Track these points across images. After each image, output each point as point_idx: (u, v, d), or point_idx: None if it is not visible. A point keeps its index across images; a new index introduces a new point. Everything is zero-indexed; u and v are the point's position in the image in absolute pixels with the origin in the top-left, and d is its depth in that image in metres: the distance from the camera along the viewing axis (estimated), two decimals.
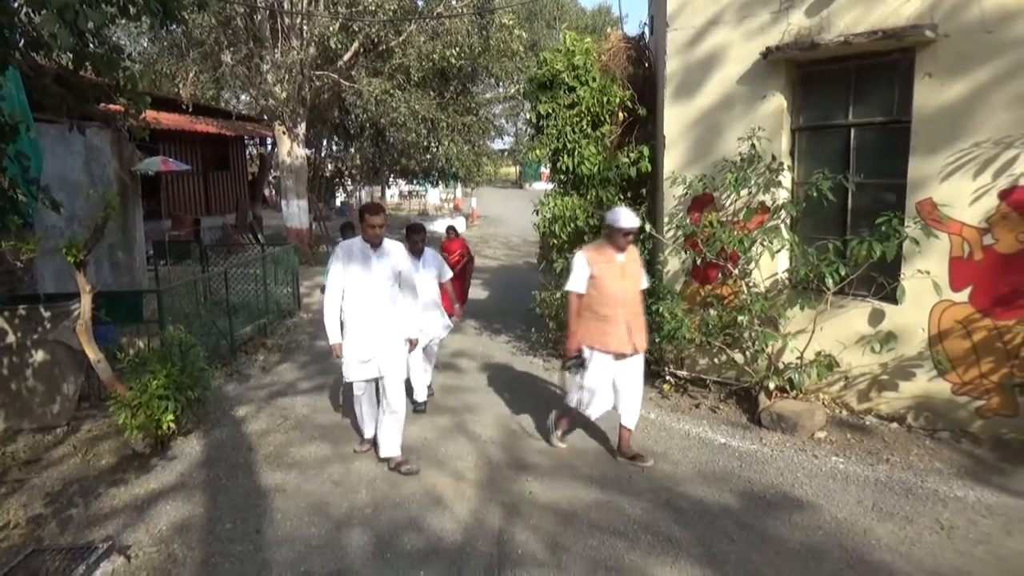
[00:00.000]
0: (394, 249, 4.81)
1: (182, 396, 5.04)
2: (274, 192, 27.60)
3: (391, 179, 23.67)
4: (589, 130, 7.15)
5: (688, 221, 6.20)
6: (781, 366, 5.68)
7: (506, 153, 32.97)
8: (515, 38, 16.49)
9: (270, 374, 7.21)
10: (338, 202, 26.92)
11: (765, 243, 5.61)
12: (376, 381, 4.87)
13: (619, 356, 4.76)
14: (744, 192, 5.82)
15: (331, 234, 14.97)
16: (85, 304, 5.05)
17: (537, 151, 7.52)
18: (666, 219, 6.43)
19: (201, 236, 15.17)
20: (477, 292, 11.43)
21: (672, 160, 6.38)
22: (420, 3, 17.02)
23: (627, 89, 7.20)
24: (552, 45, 12.43)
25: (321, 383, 6.85)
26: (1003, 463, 4.74)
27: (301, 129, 15.93)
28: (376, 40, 15.82)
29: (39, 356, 5.56)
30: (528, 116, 8.20)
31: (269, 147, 22.82)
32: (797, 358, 5.59)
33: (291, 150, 15.88)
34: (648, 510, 4.22)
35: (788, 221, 5.88)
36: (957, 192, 4.97)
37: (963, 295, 5.05)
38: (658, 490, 4.49)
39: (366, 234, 4.65)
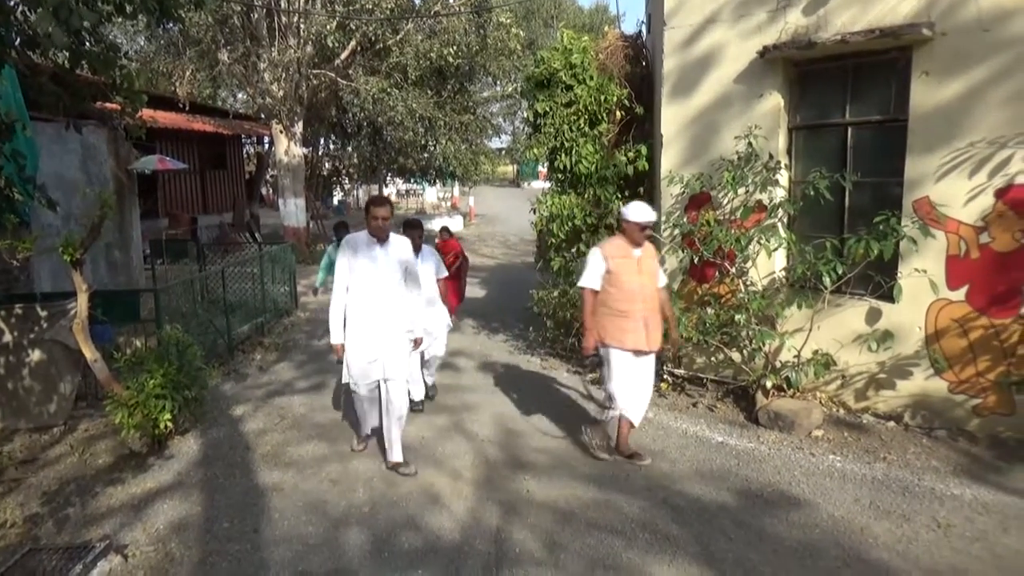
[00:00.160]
0: (400, 243, 4.71)
1: (179, 395, 5.03)
2: (271, 191, 27.58)
3: (388, 178, 23.64)
4: (586, 129, 7.15)
5: (685, 220, 6.20)
6: (778, 365, 5.69)
7: (503, 152, 32.95)
8: (512, 37, 16.47)
9: (267, 373, 7.20)
10: (335, 201, 26.89)
11: (762, 242, 5.62)
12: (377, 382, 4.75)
13: (637, 353, 4.69)
14: (741, 191, 5.83)
15: (328, 233, 14.96)
16: (82, 303, 5.04)
17: (534, 150, 7.52)
18: (663, 218, 6.43)
19: (198, 235, 15.16)
20: (475, 291, 11.42)
21: (669, 159, 6.39)
22: (417, 1, 16.99)
23: (624, 88, 7.21)
24: (549, 44, 12.43)
25: (319, 382, 6.84)
26: (1000, 461, 4.75)
27: (298, 128, 15.91)
28: (373, 38, 15.80)
29: (36, 355, 5.55)
30: (525, 115, 8.20)
31: (266, 146, 22.78)
32: (794, 357, 5.60)
33: (288, 149, 15.86)
34: (646, 508, 4.22)
35: (785, 220, 5.89)
36: (954, 190, 4.98)
37: (960, 293, 5.06)
38: (655, 488, 4.49)
39: (370, 227, 4.54)
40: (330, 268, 7.59)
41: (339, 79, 16.02)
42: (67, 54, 4.89)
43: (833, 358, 5.51)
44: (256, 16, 14.74)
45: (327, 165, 22.58)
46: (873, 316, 5.44)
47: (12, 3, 4.67)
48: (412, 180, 25.47)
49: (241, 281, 8.74)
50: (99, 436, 5.39)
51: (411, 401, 5.83)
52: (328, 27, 14.78)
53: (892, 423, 5.40)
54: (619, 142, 7.25)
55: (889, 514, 4.11)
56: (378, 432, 4.99)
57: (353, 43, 15.86)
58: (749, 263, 5.85)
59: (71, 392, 5.70)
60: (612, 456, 4.91)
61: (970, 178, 4.91)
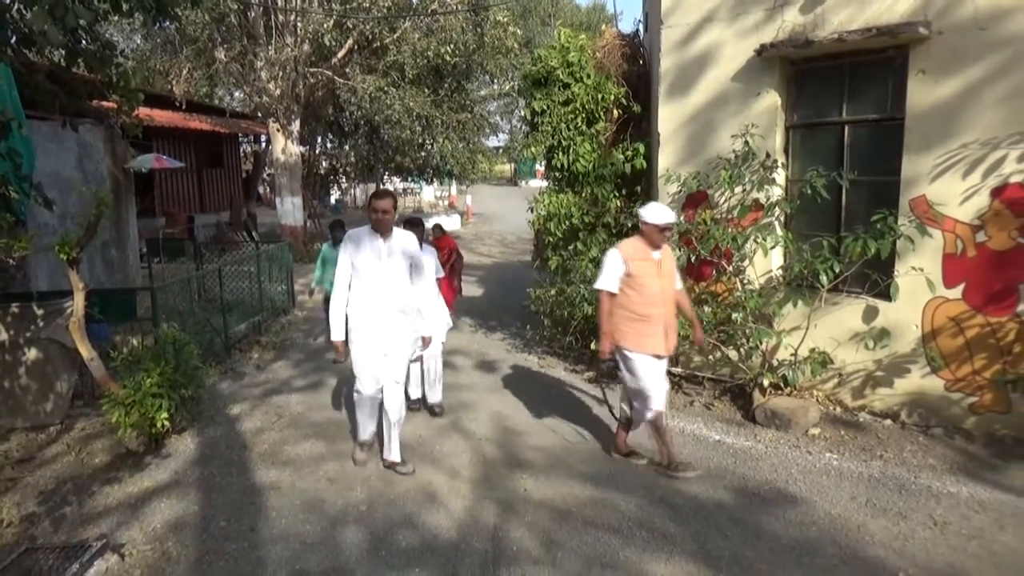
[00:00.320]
0: (405, 237, 4.55)
1: (176, 394, 5.02)
2: (268, 189, 27.51)
3: (386, 176, 23.58)
4: (584, 127, 7.15)
5: (682, 218, 6.20)
6: (775, 363, 5.70)
7: (501, 150, 32.86)
8: (510, 35, 16.45)
9: (264, 372, 7.19)
10: (333, 200, 26.84)
11: (759, 240, 5.63)
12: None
13: (656, 357, 4.56)
14: (738, 189, 5.83)
15: (325, 232, 14.94)
16: (78, 302, 5.02)
17: (532, 148, 7.52)
18: None
19: (195, 233, 15.16)
20: (472, 290, 11.42)
21: (667, 157, 6.39)
22: (414, 0, 16.97)
23: (622, 86, 7.21)
24: (547, 42, 12.42)
25: (316, 380, 6.84)
26: (996, 459, 4.76)
27: (295, 126, 15.89)
28: (370, 37, 15.78)
29: (32, 354, 5.53)
30: (523, 113, 8.20)
31: (263, 144, 22.73)
32: (791, 355, 5.61)
33: (285, 147, 15.84)
34: (643, 506, 4.23)
35: (782, 218, 5.90)
36: (950, 189, 4.99)
37: (956, 292, 5.07)
38: (652, 487, 4.49)
39: (372, 221, 4.41)
40: (324, 267, 7.60)
41: (336, 77, 15.99)
42: (63, 52, 4.88)
43: (830, 356, 5.52)
44: (253, 14, 14.71)
45: (324, 164, 22.52)
46: (870, 314, 5.45)
47: (8, 1, 4.66)
48: (409, 179, 25.43)
49: (238, 280, 8.73)
50: (96, 435, 5.37)
51: (408, 399, 5.83)
52: (325, 25, 14.76)
53: (889, 421, 5.41)
54: (616, 141, 7.25)
55: (886, 512, 4.12)
56: (377, 436, 4.92)
57: (350, 41, 15.85)
58: (746, 262, 5.86)
59: (68, 391, 5.68)
60: (642, 461, 4.83)
61: (966, 177, 4.92)
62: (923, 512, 4.11)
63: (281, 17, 14.68)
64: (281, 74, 15.07)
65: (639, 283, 4.46)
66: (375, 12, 14.75)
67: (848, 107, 5.57)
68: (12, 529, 4.03)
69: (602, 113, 7.18)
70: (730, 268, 5.90)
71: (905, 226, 5.05)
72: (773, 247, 5.67)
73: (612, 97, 7.12)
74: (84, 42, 5.15)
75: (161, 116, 14.90)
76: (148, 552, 3.78)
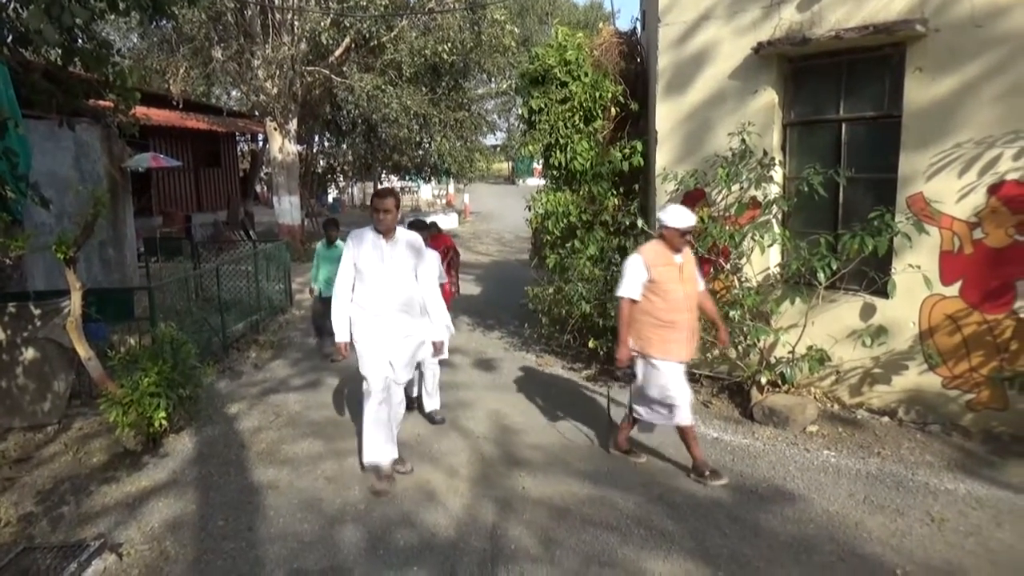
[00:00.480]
0: (409, 237, 4.44)
1: (174, 393, 5.01)
2: (266, 188, 27.48)
3: (383, 175, 23.56)
4: (581, 125, 7.15)
5: None
6: (773, 360, 5.70)
7: (498, 149, 32.82)
8: (507, 33, 16.45)
9: (262, 371, 7.19)
10: (330, 198, 26.82)
11: (756, 238, 5.63)
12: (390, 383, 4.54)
13: (680, 364, 4.48)
14: (735, 187, 5.83)
15: (322, 231, 14.92)
16: (75, 301, 5.02)
17: (529, 147, 7.51)
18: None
19: (192, 233, 15.13)
20: (470, 288, 11.42)
21: (664, 155, 6.39)
22: None
23: (619, 84, 7.21)
24: (544, 40, 12.41)
25: (314, 379, 6.83)
26: (993, 456, 4.77)
27: (293, 125, 15.87)
28: (367, 36, 15.75)
29: (29, 354, 5.53)
30: (520, 111, 8.19)
31: (260, 143, 22.72)
32: (789, 352, 5.61)
33: (283, 146, 15.81)
34: (641, 504, 4.23)
35: (779, 216, 5.90)
36: (947, 186, 4.99)
37: (953, 289, 5.08)
38: (651, 485, 4.50)
39: (374, 220, 4.31)
40: (320, 266, 7.61)
41: (333, 76, 15.97)
42: (60, 51, 4.87)
43: (827, 354, 5.52)
44: (250, 13, 14.68)
45: (322, 162, 22.50)
46: (867, 312, 5.45)
47: (4, 0, 4.65)
48: (407, 177, 25.41)
49: (236, 279, 8.72)
50: (93, 435, 5.37)
51: (406, 398, 5.81)
52: (322, 24, 14.74)
53: (886, 418, 5.42)
54: (614, 139, 7.24)
55: (883, 509, 4.13)
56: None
57: (347, 40, 15.82)
58: (744, 259, 5.86)
59: (65, 390, 5.68)
60: (641, 459, 4.83)
61: (963, 174, 4.93)
62: (921, 509, 4.11)
63: (278, 16, 14.66)
64: (278, 73, 15.04)
65: (663, 289, 4.36)
66: (372, 11, 14.73)
67: (845, 105, 5.57)
68: (10, 529, 4.03)
69: (599, 111, 7.17)
70: (728, 266, 5.91)
71: (902, 223, 5.05)
72: (770, 245, 5.67)
73: (609, 95, 7.11)
74: (80, 41, 5.14)
75: (158, 115, 14.87)
76: (146, 551, 3.78)
